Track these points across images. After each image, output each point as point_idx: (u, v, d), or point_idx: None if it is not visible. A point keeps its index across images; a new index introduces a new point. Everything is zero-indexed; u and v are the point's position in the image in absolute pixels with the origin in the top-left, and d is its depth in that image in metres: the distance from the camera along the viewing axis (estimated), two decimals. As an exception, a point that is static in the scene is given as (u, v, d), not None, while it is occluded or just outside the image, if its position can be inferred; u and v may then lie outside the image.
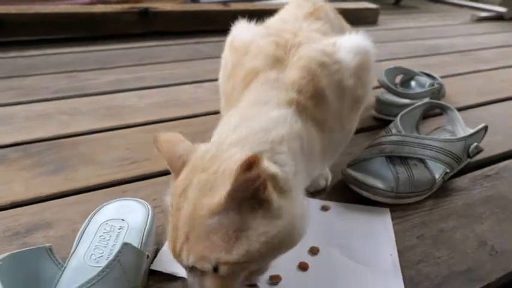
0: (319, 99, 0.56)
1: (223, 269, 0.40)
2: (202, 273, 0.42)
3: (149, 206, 0.60)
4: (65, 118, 1.00)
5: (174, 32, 1.84)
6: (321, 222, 0.65)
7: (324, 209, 0.68)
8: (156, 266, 0.54)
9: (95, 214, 0.58)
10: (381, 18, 2.33)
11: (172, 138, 0.47)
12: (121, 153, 0.85)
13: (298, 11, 0.76)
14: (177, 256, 0.42)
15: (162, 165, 0.79)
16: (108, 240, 0.53)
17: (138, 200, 0.61)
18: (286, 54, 0.59)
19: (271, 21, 0.77)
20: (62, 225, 0.63)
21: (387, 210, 0.69)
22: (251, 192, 0.39)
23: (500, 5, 2.63)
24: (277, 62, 0.58)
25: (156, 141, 0.46)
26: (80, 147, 0.87)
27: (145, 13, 1.79)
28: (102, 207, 0.60)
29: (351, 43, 0.63)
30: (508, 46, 1.89)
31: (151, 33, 1.82)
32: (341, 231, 0.63)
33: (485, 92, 1.28)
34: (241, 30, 0.69)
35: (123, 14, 1.77)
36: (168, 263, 0.55)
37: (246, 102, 0.54)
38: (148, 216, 0.57)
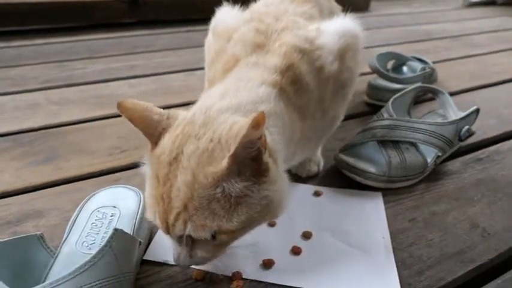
0: (299, 86, 0.56)
1: (221, 238, 0.42)
2: (193, 241, 0.43)
3: (141, 193, 0.59)
4: (54, 108, 0.99)
5: (165, 21, 1.82)
6: (313, 207, 0.65)
7: (317, 194, 0.68)
8: (150, 256, 0.54)
9: (86, 202, 0.58)
10: (373, 4, 2.32)
11: (139, 103, 0.45)
12: (112, 142, 0.84)
13: None
14: (170, 226, 0.42)
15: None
16: (100, 227, 0.53)
17: (130, 187, 0.61)
18: (267, 40, 0.58)
19: (256, 5, 0.76)
20: (54, 214, 0.62)
21: (379, 194, 0.69)
22: (252, 155, 0.40)
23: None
24: (258, 47, 0.58)
25: (121, 107, 0.44)
26: (70, 136, 0.86)
27: (135, 1, 1.77)
28: (94, 194, 0.59)
29: (336, 26, 0.63)
30: (500, 31, 1.90)
31: (142, 22, 1.79)
32: (334, 216, 0.64)
33: (477, 76, 1.28)
34: (224, 16, 0.68)
35: (112, 2, 1.75)
36: (161, 251, 0.55)
37: (229, 79, 0.54)
38: (140, 203, 0.57)
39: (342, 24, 0.64)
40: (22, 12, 1.60)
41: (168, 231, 0.43)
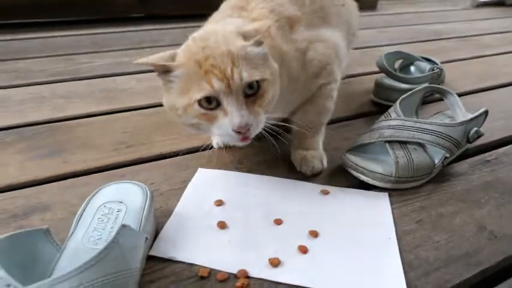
0: (274, 40, 0.65)
1: (264, 86, 0.57)
2: (246, 103, 0.55)
3: (147, 189, 0.59)
4: (60, 101, 0.99)
5: (172, 16, 1.81)
6: (320, 206, 0.65)
7: (324, 193, 0.68)
8: (155, 252, 0.54)
9: (93, 196, 0.58)
10: (380, 3, 2.30)
11: (151, 57, 0.57)
12: (118, 136, 0.84)
13: None
14: (230, 79, 0.53)
15: (158, 150, 0.79)
16: (107, 222, 0.53)
17: (136, 182, 0.61)
18: (247, 4, 0.69)
19: None
20: (59, 208, 0.62)
21: (386, 194, 0.68)
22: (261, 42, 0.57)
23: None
24: (237, 8, 0.70)
25: (142, 63, 0.56)
26: (76, 130, 0.86)
27: (142, -4, 1.76)
28: (100, 189, 0.59)
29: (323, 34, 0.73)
30: (509, 32, 1.88)
31: (149, 16, 1.79)
32: (340, 215, 0.63)
33: (485, 77, 1.27)
34: None
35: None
36: (166, 247, 0.55)
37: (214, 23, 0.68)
38: (146, 198, 0.57)
39: (327, 35, 0.74)
40: (29, 5, 1.60)
41: (229, 86, 0.53)
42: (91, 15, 1.72)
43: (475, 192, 0.71)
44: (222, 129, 0.56)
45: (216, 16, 0.72)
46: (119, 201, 0.56)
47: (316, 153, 0.74)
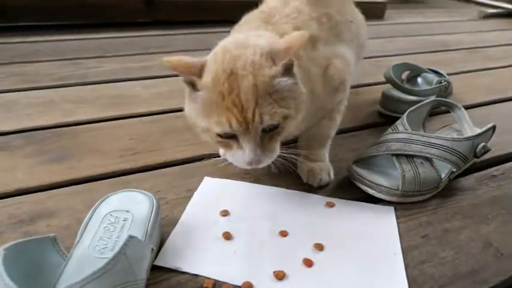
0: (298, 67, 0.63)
1: (286, 124, 0.56)
2: (262, 138, 0.55)
3: (154, 198, 0.59)
4: (68, 106, 0.99)
5: (179, 22, 1.82)
6: (325, 219, 0.65)
7: (329, 205, 0.68)
8: (160, 261, 0.54)
9: (99, 205, 0.58)
10: (388, 12, 2.30)
11: (176, 59, 0.55)
12: (124, 143, 0.84)
13: None
14: (250, 121, 0.52)
15: (165, 157, 0.79)
16: (113, 231, 0.53)
17: (143, 191, 0.61)
18: (269, 18, 0.69)
19: None
20: (65, 214, 0.63)
21: (392, 209, 0.68)
22: (291, 64, 0.55)
23: (508, 1, 2.60)
24: (261, 20, 0.69)
25: (167, 62, 0.54)
26: (83, 136, 0.87)
27: (150, 1, 1.77)
28: (107, 198, 0.59)
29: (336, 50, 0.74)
30: (516, 44, 1.88)
31: (156, 22, 1.80)
32: (345, 229, 0.63)
33: (493, 90, 1.27)
34: None
35: (128, 2, 1.76)
36: (172, 258, 0.55)
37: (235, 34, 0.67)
38: (153, 208, 0.57)
39: (340, 52, 0.75)
40: (38, 8, 1.61)
41: (247, 128, 0.53)
42: (99, 20, 1.73)
43: (481, 208, 0.70)
44: (235, 159, 0.58)
45: (241, 28, 0.70)
46: (125, 210, 0.56)
47: (324, 166, 0.74)
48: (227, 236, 0.59)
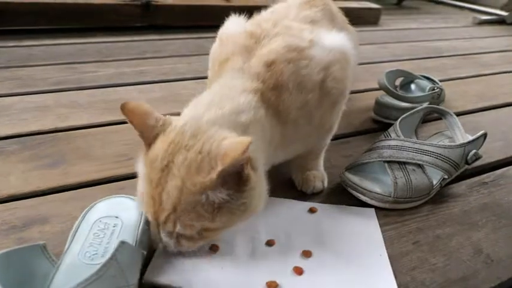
0: (281, 92, 0.59)
1: (206, 234, 0.50)
2: (179, 235, 0.50)
3: None
4: (63, 111, 0.99)
5: (176, 27, 1.83)
6: (310, 225, 0.65)
7: (311, 211, 0.68)
8: (149, 277, 0.52)
9: (87, 212, 0.58)
10: (383, 18, 2.32)
11: (140, 107, 0.51)
12: (119, 149, 0.84)
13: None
14: (161, 224, 0.49)
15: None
16: (103, 237, 0.53)
17: (132, 197, 0.61)
18: (256, 44, 0.62)
19: (264, 12, 0.78)
20: (59, 220, 0.63)
21: (372, 210, 0.69)
22: (237, 170, 0.46)
23: (502, 9, 2.62)
24: (245, 51, 0.61)
25: (124, 109, 0.50)
26: (78, 141, 0.87)
27: (147, 6, 1.78)
28: (95, 204, 0.59)
29: (328, 41, 0.65)
30: (510, 51, 1.89)
31: (153, 26, 1.80)
32: (330, 234, 0.63)
33: (485, 97, 1.28)
34: (231, 24, 0.71)
35: (124, 6, 1.76)
36: (161, 274, 0.53)
37: (215, 86, 0.59)
38: (142, 213, 0.57)
39: (334, 40, 0.67)
40: (34, 12, 1.61)
41: (158, 227, 0.50)
42: (95, 24, 1.73)
43: (472, 214, 0.71)
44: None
45: (226, 66, 0.62)
46: (115, 216, 0.57)
47: (318, 174, 0.74)
48: (214, 249, 0.58)
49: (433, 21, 2.52)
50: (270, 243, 0.60)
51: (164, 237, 0.51)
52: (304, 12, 0.73)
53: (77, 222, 0.56)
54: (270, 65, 0.59)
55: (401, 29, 2.25)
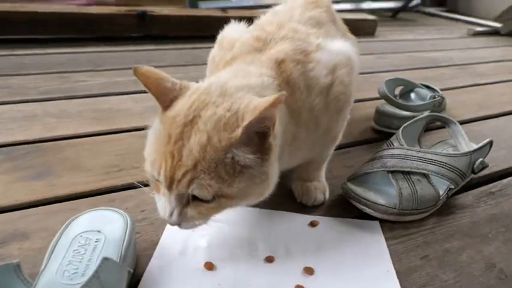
0: (294, 88, 0.57)
1: (219, 201, 0.46)
2: (186, 202, 0.46)
3: (127, 216, 0.55)
4: (52, 120, 0.95)
5: (171, 37, 1.80)
6: (311, 240, 0.61)
7: (312, 224, 0.65)
8: None
9: (67, 226, 0.53)
10: (379, 29, 2.32)
11: (153, 71, 0.47)
12: (109, 159, 0.80)
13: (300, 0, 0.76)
14: (175, 181, 0.44)
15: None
16: (83, 254, 0.49)
17: (115, 209, 0.57)
18: (264, 46, 0.60)
19: (265, 15, 0.75)
20: (41, 236, 0.58)
21: (376, 223, 0.66)
22: (261, 131, 0.44)
23: (495, 20, 2.63)
24: (255, 50, 0.60)
25: (137, 73, 0.46)
26: (66, 151, 0.83)
27: (143, 16, 1.76)
28: (76, 218, 0.55)
29: (335, 46, 0.65)
30: (506, 61, 1.89)
31: (148, 36, 1.78)
32: (333, 248, 0.60)
33: (485, 105, 1.26)
34: (231, 29, 0.70)
35: (120, 16, 1.74)
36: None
37: (230, 68, 0.57)
38: (127, 227, 0.53)
39: (340, 46, 0.66)
40: (29, 21, 1.58)
41: (170, 186, 0.45)
42: (90, 34, 1.71)
43: (481, 226, 0.68)
44: (157, 203, 0.49)
45: (235, 61, 0.60)
46: (97, 231, 0.52)
47: (319, 185, 0.71)
48: (209, 266, 0.54)
49: (429, 33, 2.52)
50: (269, 259, 0.57)
51: (172, 201, 0.46)
52: (309, 13, 0.71)
53: (55, 238, 0.51)
54: (280, 63, 0.57)
55: (397, 40, 2.24)
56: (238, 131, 0.43)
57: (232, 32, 0.68)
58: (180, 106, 0.46)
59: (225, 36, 0.69)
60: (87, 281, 0.39)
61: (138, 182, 0.72)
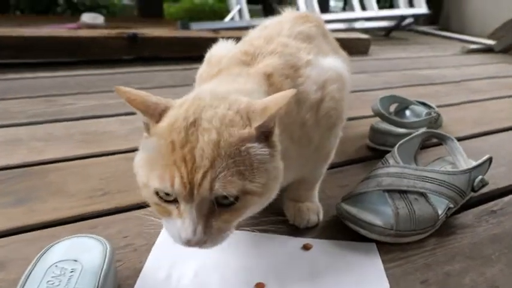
0: None
1: (244, 199, 0.43)
2: (209, 213, 0.43)
3: (107, 243, 0.52)
4: (37, 144, 0.93)
5: (162, 58, 1.80)
6: (304, 265, 0.58)
7: (305, 248, 0.61)
8: None
9: (42, 255, 0.50)
10: (372, 48, 2.33)
11: (133, 90, 0.46)
12: (94, 183, 0.77)
13: (290, 15, 0.76)
14: (196, 186, 0.41)
15: (135, 198, 0.71)
16: (58, 285, 0.45)
17: (94, 236, 0.54)
18: (252, 60, 0.59)
19: (254, 30, 0.75)
20: (18, 265, 0.55)
21: (373, 245, 0.63)
22: (268, 131, 0.45)
23: (489, 37, 2.65)
24: (242, 63, 0.59)
25: (120, 91, 0.45)
26: (50, 175, 0.80)
27: (134, 38, 1.76)
28: (52, 246, 0.52)
29: (325, 62, 0.64)
30: (500, 77, 1.89)
31: (139, 58, 1.77)
32: (327, 274, 0.57)
33: (482, 122, 1.24)
34: (219, 47, 0.68)
35: (111, 39, 1.73)
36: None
37: (214, 80, 0.56)
38: (106, 254, 0.50)
39: (331, 62, 0.65)
40: (18, 46, 1.58)
41: (191, 194, 0.41)
42: (82, 57, 1.70)
43: (483, 247, 0.64)
44: (170, 230, 0.45)
45: (220, 75, 0.58)
46: (73, 260, 0.49)
47: (312, 206, 0.68)
48: None
49: (422, 51, 2.53)
50: (259, 286, 0.53)
51: (194, 215, 0.42)
52: (298, 28, 0.69)
53: (28, 268, 0.48)
54: (268, 76, 0.56)
55: (391, 58, 2.25)
56: (252, 129, 0.43)
57: (220, 50, 0.67)
58: (174, 114, 0.45)
59: (213, 54, 0.68)
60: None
61: (122, 207, 0.70)
